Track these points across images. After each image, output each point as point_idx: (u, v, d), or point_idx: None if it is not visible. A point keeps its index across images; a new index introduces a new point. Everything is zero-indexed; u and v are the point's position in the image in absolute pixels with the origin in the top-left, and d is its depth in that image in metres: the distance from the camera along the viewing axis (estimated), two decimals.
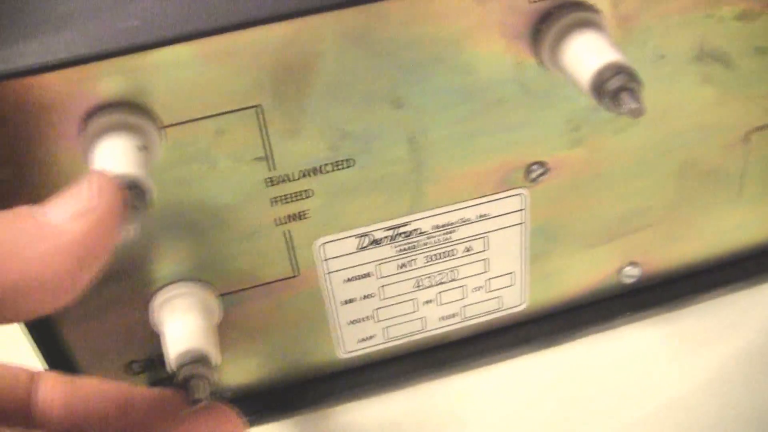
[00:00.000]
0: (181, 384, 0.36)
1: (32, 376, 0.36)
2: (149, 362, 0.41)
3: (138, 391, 0.37)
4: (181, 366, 0.36)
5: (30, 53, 0.30)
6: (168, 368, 0.36)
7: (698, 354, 0.46)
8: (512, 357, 0.46)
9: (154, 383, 0.42)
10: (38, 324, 0.38)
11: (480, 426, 0.44)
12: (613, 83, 0.32)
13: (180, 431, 0.36)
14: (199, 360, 0.36)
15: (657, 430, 0.42)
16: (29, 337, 0.38)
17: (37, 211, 0.28)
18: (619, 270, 0.46)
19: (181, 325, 0.37)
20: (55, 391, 0.36)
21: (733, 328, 0.47)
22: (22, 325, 0.37)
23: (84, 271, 0.28)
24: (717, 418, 0.42)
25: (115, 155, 0.31)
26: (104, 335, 0.39)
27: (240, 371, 0.43)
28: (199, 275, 0.38)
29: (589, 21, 0.34)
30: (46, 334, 0.38)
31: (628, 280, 0.46)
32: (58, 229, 0.27)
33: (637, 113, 0.31)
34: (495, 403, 0.44)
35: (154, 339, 0.40)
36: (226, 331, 0.40)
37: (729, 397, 0.43)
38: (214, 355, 0.36)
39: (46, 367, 0.39)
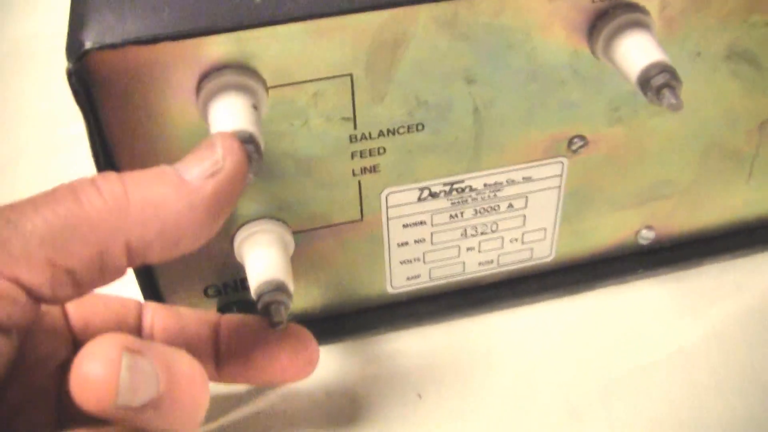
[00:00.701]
0: (263, 309, 0.41)
1: (140, 306, 0.42)
2: (224, 287, 0.46)
3: (227, 317, 0.43)
4: (262, 293, 0.40)
5: (169, 21, 0.35)
6: (252, 294, 0.41)
7: (703, 310, 0.50)
8: (538, 302, 0.51)
9: (225, 305, 0.47)
10: None
11: (507, 359, 0.48)
12: (658, 80, 0.37)
13: (266, 350, 0.42)
14: (278, 288, 0.40)
15: (663, 375, 0.47)
16: None
17: (176, 170, 0.33)
18: (637, 232, 0.51)
19: (263, 257, 0.42)
20: (156, 317, 0.42)
21: (736, 290, 0.51)
22: None
23: (215, 220, 0.34)
24: (717, 368, 0.47)
25: (233, 112, 0.36)
26: (188, 261, 0.44)
27: (301, 299, 0.48)
28: (279, 214, 0.43)
29: (640, 21, 0.39)
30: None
31: (644, 242, 0.52)
32: (194, 188, 0.33)
33: (675, 107, 0.37)
34: (521, 341, 0.49)
35: (229, 267, 0.45)
36: (296, 263, 0.44)
37: (729, 350, 0.48)
38: (290, 284, 0.41)
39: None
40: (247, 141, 0.35)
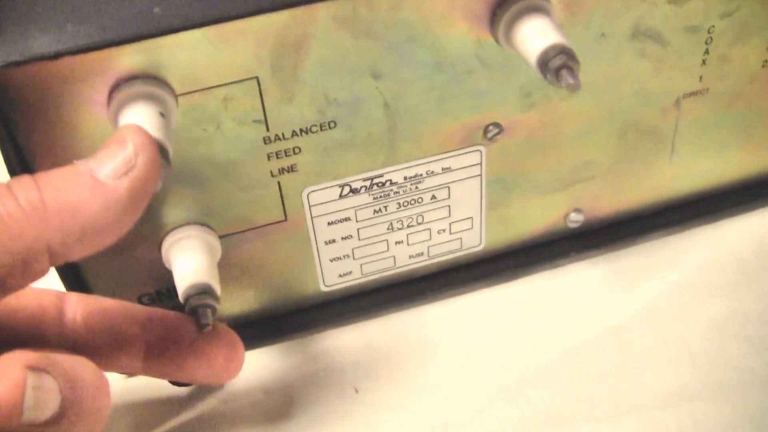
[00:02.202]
0: (191, 312, 0.42)
1: (61, 296, 0.42)
2: (157, 294, 0.47)
3: (155, 312, 0.43)
4: (189, 297, 0.41)
5: (72, 35, 0.36)
6: (179, 299, 0.42)
7: (635, 288, 0.51)
8: (472, 291, 0.52)
9: None
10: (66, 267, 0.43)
11: (442, 349, 0.49)
12: (555, 62, 0.38)
13: (192, 348, 0.42)
14: (204, 291, 0.41)
15: (599, 352, 0.48)
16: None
17: (90, 169, 0.34)
18: (566, 216, 0.52)
19: (189, 262, 0.43)
20: (78, 308, 0.42)
21: (666, 267, 0.52)
22: None
23: (132, 215, 0.35)
24: (649, 343, 0.48)
25: (140, 120, 0.36)
26: (119, 271, 0.45)
27: (236, 303, 0.49)
28: (204, 220, 0.44)
29: (538, 6, 0.40)
30: (70, 271, 0.44)
31: (573, 225, 0.52)
32: (109, 189, 0.34)
33: (574, 88, 0.37)
34: (456, 330, 0.50)
35: (161, 274, 0.45)
36: (224, 268, 0.45)
37: (662, 324, 0.49)
38: (217, 287, 0.42)
39: None
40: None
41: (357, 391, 0.47)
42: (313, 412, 0.47)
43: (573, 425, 0.45)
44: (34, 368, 0.32)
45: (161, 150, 0.36)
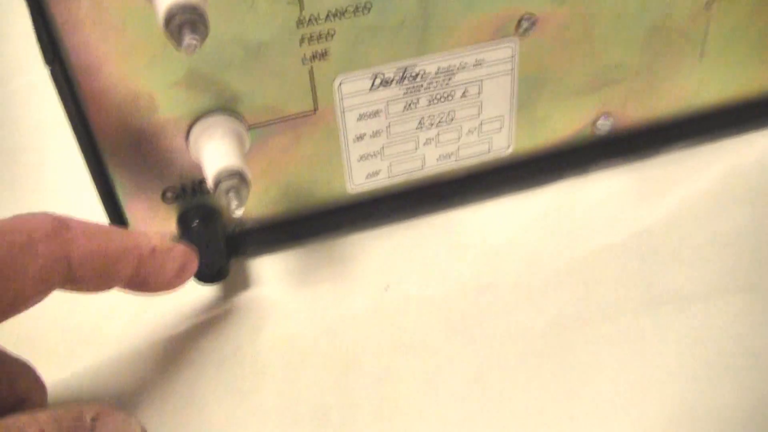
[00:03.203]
0: (222, 196, 0.41)
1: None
2: (182, 190, 0.46)
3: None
4: (220, 181, 0.41)
5: None
6: (209, 184, 0.41)
7: (662, 196, 0.51)
8: (499, 196, 0.51)
9: (185, 213, 0.47)
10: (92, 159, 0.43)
11: (473, 249, 0.49)
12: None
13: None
14: (235, 174, 0.40)
15: (627, 253, 0.48)
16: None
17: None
18: (594, 121, 0.52)
19: (219, 146, 0.42)
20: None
21: (693, 176, 0.52)
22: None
23: None
24: (677, 244, 0.48)
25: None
26: (144, 164, 0.44)
27: (260, 203, 0.48)
28: (233, 107, 0.43)
29: None
30: (94, 163, 0.43)
31: (602, 131, 0.52)
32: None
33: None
34: (485, 234, 0.49)
35: (186, 168, 0.45)
36: (250, 164, 0.44)
37: (689, 228, 0.49)
38: (248, 173, 0.41)
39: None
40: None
41: (387, 288, 0.46)
42: (343, 310, 0.46)
43: (607, 320, 0.44)
44: None
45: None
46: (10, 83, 0.64)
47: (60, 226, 0.37)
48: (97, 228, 0.39)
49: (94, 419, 0.35)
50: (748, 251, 0.47)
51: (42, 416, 0.34)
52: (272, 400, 0.42)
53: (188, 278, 0.43)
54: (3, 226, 0.36)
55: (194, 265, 0.43)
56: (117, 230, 0.41)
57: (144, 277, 0.41)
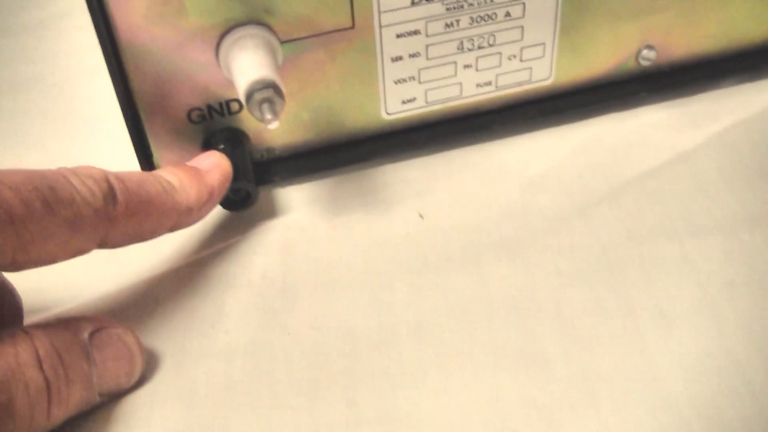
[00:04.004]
0: (255, 107, 0.39)
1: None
2: (208, 111, 0.44)
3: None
4: (254, 91, 0.38)
5: None
6: (240, 96, 0.39)
7: (704, 128, 0.49)
8: (538, 129, 0.49)
9: (210, 135, 0.45)
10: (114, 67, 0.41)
11: (512, 178, 0.47)
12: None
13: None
14: (271, 85, 0.38)
15: (671, 178, 0.46)
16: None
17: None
18: (638, 52, 0.49)
19: (252, 57, 0.40)
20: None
21: (735, 111, 0.50)
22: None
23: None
24: (724, 167, 0.46)
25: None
26: (168, 81, 0.42)
27: (291, 128, 0.46)
28: (265, 19, 0.41)
29: None
30: (119, 80, 0.41)
31: (645, 63, 0.50)
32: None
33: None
34: (523, 165, 0.47)
35: (213, 86, 0.43)
36: (285, 82, 0.41)
37: (734, 153, 0.47)
38: (281, 85, 0.39)
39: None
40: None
41: (422, 217, 0.44)
42: (375, 236, 0.44)
43: (655, 243, 0.42)
44: None
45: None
46: None
47: (109, 198, 0.36)
48: (138, 198, 0.38)
49: (91, 334, 0.35)
50: None
51: (37, 332, 0.33)
52: (302, 320, 0.40)
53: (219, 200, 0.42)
54: (64, 185, 0.34)
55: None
56: (158, 194, 0.39)
57: (177, 228, 0.41)
